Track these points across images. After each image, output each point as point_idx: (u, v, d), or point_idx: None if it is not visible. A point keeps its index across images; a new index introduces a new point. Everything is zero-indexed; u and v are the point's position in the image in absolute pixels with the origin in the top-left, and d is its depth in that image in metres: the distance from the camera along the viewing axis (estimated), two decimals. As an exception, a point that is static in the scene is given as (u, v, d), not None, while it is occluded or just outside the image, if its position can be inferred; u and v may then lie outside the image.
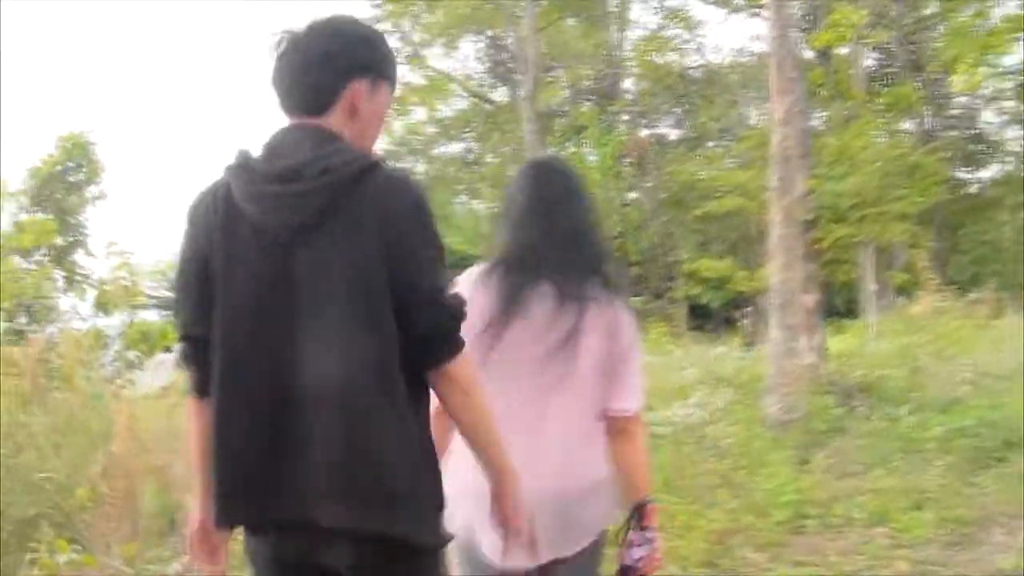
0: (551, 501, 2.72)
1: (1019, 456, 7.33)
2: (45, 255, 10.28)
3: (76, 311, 10.30)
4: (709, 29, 30.06)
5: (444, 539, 2.31)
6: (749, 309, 25.80)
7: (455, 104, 32.41)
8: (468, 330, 2.30)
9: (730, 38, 43.88)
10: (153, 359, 11.07)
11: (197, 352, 2.32)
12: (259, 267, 2.22)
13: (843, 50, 19.41)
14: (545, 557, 2.68)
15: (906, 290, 21.01)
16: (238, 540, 2.48)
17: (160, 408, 9.79)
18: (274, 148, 2.27)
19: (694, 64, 31.03)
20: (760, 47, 27.30)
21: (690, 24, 29.95)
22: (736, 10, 27.52)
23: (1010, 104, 28.84)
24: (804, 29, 17.54)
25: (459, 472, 2.52)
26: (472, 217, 32.68)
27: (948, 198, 23.69)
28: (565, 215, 2.93)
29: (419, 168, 32.17)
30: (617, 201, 27.49)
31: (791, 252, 9.78)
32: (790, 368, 9.47)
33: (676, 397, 10.20)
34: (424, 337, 2.21)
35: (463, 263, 3.17)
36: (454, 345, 2.25)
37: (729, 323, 25.97)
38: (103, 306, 10.35)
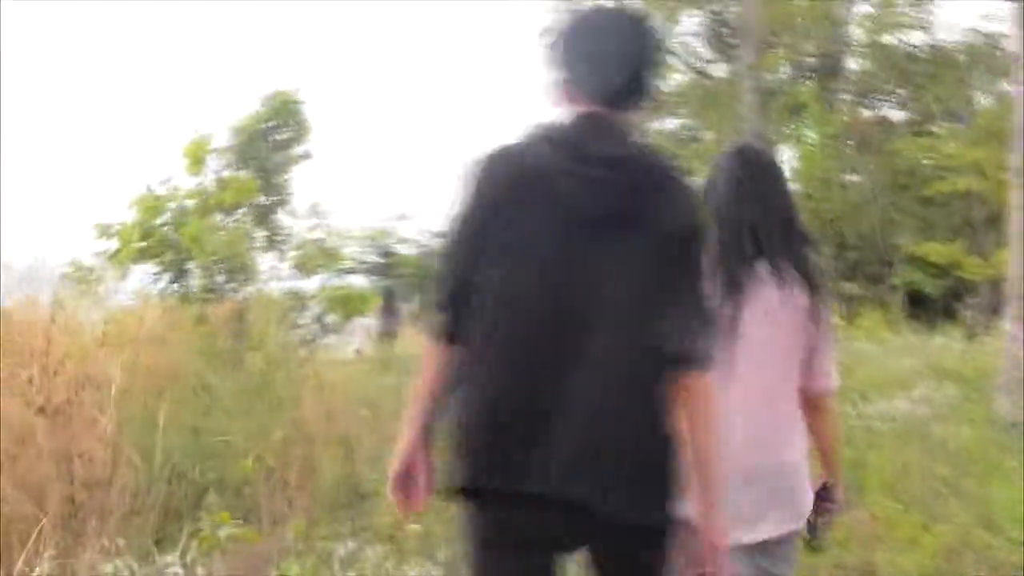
0: (769, 477, 2.85)
1: None
2: (247, 214, 10.21)
3: (275, 271, 10.21)
4: (939, 7, 28.03)
5: (681, 521, 2.35)
6: (973, 299, 24.43)
7: (672, 79, 31.58)
8: None
9: (961, 16, 41.74)
10: (350, 323, 10.95)
11: (458, 299, 2.36)
12: (555, 236, 2.30)
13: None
14: (762, 534, 2.84)
15: None
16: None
17: (353, 374, 9.66)
18: (590, 133, 2.36)
19: (922, 43, 29.46)
20: (991, 27, 25.99)
21: (920, 1, 28.33)
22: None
23: None
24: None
25: None
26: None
27: None
28: (774, 200, 3.05)
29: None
30: (836, 183, 26.38)
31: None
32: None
33: (896, 389, 9.60)
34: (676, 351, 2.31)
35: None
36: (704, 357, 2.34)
37: (948, 313, 24.65)
38: (302, 267, 10.27)
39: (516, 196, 2.32)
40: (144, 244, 9.46)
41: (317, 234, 10.44)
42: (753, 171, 3.05)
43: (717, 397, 2.36)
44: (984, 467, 6.91)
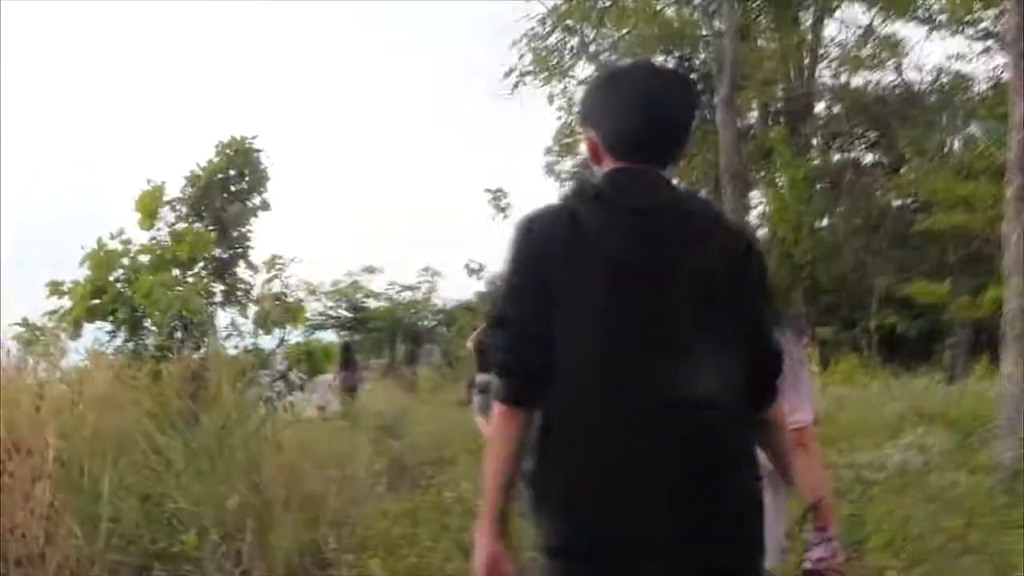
0: None
1: None
2: (205, 268, 9.81)
3: (235, 328, 9.79)
4: (908, 48, 28.04)
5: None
6: (951, 339, 24.29)
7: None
8: None
9: (930, 57, 41.90)
10: (312, 380, 10.54)
11: (526, 363, 2.36)
12: (615, 295, 2.31)
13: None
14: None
15: None
16: None
17: (317, 431, 9.23)
18: (628, 187, 2.41)
19: (891, 84, 29.52)
20: (960, 66, 26.04)
21: (888, 43, 28.40)
22: (938, 27, 26.10)
23: None
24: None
25: None
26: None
27: None
28: None
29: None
30: (808, 226, 26.23)
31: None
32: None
33: (884, 436, 9.23)
34: (762, 385, 2.46)
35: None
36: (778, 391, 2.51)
37: (924, 355, 24.47)
38: (263, 323, 9.86)
39: (572, 255, 2.33)
40: (97, 301, 9.09)
41: (278, 288, 10.02)
42: None
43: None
44: (994, 518, 6.46)
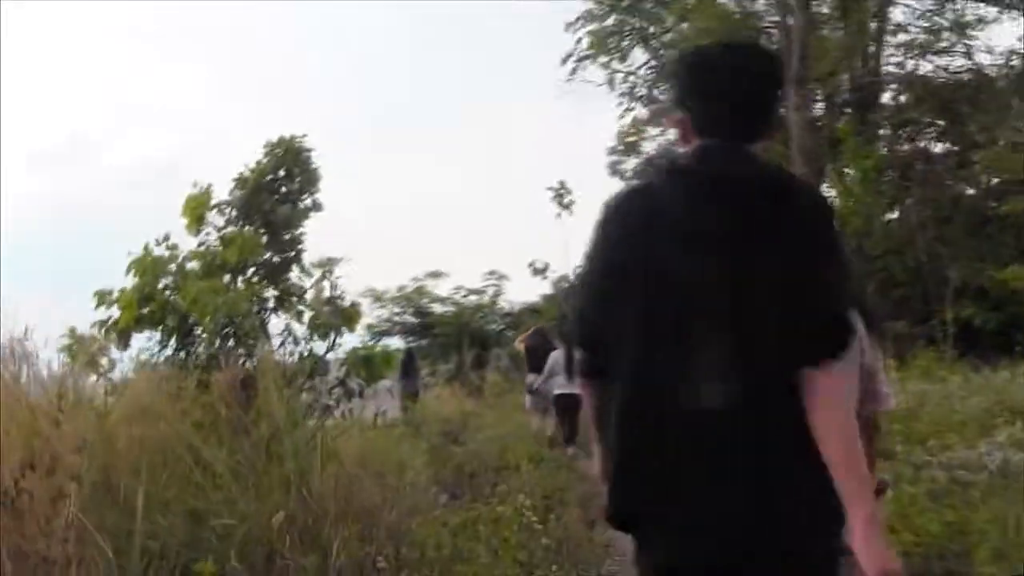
0: None
1: None
2: (256, 272, 9.50)
3: (291, 333, 9.48)
4: (978, 31, 27.14)
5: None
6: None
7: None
8: None
9: (1001, 39, 40.50)
10: (373, 386, 10.23)
11: (597, 336, 2.52)
12: (689, 269, 2.34)
13: None
14: None
15: None
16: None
17: (376, 439, 8.88)
18: (713, 158, 2.46)
19: (961, 69, 28.58)
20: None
21: (958, 25, 27.50)
22: (1008, 8, 25.28)
23: None
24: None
25: None
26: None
27: None
28: None
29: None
30: (879, 219, 25.54)
31: None
32: None
33: (973, 433, 8.64)
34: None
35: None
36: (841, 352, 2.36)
37: (1002, 347, 23.65)
38: (318, 329, 9.54)
39: (653, 232, 2.41)
40: (145, 310, 8.82)
41: (332, 292, 9.68)
42: None
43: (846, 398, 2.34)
44: None
